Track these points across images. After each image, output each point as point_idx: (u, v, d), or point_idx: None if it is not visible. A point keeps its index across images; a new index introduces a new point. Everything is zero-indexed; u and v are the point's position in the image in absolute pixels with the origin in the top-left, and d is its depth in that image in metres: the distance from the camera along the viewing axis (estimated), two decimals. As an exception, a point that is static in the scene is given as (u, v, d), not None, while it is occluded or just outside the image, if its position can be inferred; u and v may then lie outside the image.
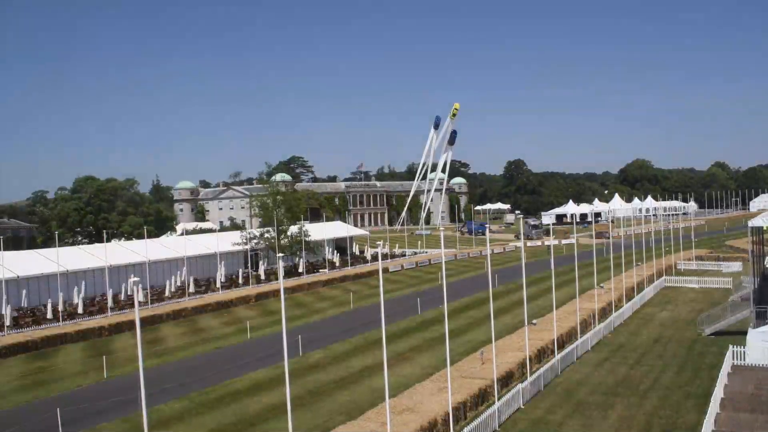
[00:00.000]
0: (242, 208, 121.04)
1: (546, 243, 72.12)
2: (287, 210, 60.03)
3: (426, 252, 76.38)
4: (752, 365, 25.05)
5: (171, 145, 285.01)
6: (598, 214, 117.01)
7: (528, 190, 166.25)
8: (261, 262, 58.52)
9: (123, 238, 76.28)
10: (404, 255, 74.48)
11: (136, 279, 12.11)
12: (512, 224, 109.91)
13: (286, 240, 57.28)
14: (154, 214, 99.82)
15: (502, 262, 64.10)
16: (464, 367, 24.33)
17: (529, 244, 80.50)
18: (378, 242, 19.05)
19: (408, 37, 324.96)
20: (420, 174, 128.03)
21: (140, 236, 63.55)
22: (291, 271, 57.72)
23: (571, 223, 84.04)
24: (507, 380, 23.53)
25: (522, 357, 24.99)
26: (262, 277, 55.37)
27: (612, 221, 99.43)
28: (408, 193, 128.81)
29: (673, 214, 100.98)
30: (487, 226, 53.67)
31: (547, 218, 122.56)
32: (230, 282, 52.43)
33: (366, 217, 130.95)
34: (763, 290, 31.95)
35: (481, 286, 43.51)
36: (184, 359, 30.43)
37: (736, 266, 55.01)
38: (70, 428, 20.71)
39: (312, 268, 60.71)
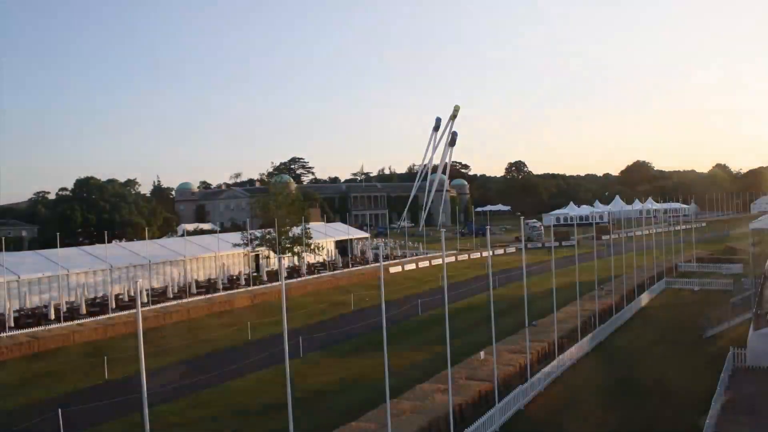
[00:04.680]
0: (243, 208, 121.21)
1: (547, 244, 72.08)
2: (288, 211, 60.03)
3: (426, 253, 76.40)
4: (753, 367, 25.07)
5: (172, 146, 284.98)
6: (599, 216, 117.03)
7: (529, 191, 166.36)
8: (262, 263, 58.59)
9: (124, 239, 76.28)
10: (405, 256, 74.49)
11: (137, 280, 12.21)
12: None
13: (287, 241, 57.29)
14: (154, 215, 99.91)
15: (502, 264, 64.08)
16: (465, 369, 24.36)
17: (530, 245, 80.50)
18: (381, 242, 19.04)
19: (408, 36, 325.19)
20: (420, 176, 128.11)
21: (141, 237, 63.64)
22: (292, 273, 57.75)
23: (572, 225, 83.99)
24: (507, 381, 23.55)
25: (522, 358, 25.03)
26: (264, 278, 55.43)
27: (613, 223, 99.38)
28: (408, 195, 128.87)
29: (673, 216, 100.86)
30: (488, 227, 53.74)
31: (548, 220, 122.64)
32: (231, 283, 52.49)
33: (367, 218, 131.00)
34: (764, 292, 31.92)
35: (482, 288, 43.58)
36: (185, 360, 30.49)
37: (736, 268, 54.99)
38: (71, 428, 20.75)
39: (313, 270, 60.76)
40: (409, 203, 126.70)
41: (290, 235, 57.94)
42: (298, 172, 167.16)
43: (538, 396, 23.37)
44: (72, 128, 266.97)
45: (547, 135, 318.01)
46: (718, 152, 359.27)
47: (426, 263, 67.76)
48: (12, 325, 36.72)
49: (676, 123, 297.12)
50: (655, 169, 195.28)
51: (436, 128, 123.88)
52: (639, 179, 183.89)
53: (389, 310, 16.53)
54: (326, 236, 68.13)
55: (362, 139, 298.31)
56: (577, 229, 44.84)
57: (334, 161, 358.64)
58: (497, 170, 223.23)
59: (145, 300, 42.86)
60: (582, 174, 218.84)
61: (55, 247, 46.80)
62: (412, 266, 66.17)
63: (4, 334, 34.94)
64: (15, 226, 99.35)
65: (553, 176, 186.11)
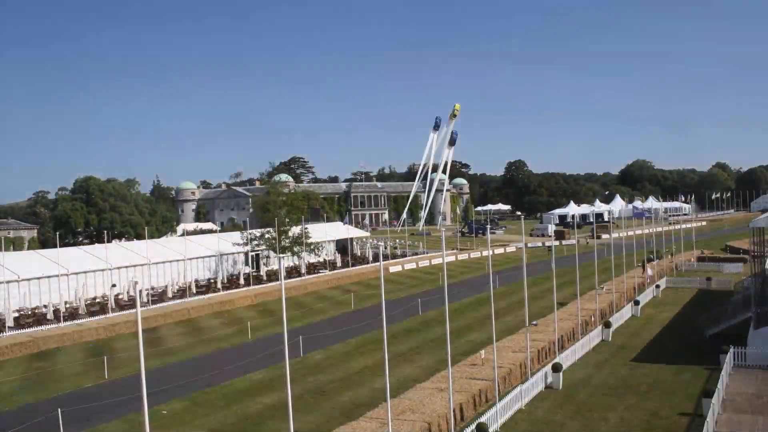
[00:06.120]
0: (243, 208, 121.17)
1: (547, 244, 72.08)
2: (288, 211, 60.00)
3: (426, 252, 76.35)
4: (753, 366, 25.05)
5: (172, 146, 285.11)
6: (599, 215, 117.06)
7: (529, 191, 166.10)
8: (262, 263, 58.56)
9: (124, 239, 76.26)
10: (405, 256, 74.47)
11: (137, 280, 12.21)
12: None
13: (287, 241, 57.28)
14: (154, 215, 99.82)
15: (502, 263, 64.10)
16: (465, 368, 24.32)
17: (530, 245, 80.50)
18: (381, 242, 19.05)
19: (408, 36, 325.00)
20: (420, 175, 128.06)
21: (141, 237, 63.62)
22: (292, 272, 57.73)
23: (572, 224, 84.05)
24: (508, 381, 23.54)
25: (523, 357, 25.00)
26: (264, 277, 55.41)
27: (613, 222, 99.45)
28: (409, 194, 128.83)
29: (673, 215, 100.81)
30: (488, 226, 53.73)
31: (548, 219, 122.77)
32: (231, 282, 52.47)
33: (367, 217, 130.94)
34: (764, 291, 31.89)
35: (482, 287, 43.58)
36: (185, 360, 30.45)
37: (737, 267, 54.99)
38: (71, 428, 20.72)
39: (313, 269, 60.74)
40: (409, 202, 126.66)
41: (290, 234, 57.94)
42: (298, 171, 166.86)
43: (538, 395, 23.34)
44: (72, 128, 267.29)
45: (547, 134, 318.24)
46: (718, 152, 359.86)
47: (426, 262, 67.73)
48: (12, 325, 36.73)
49: (676, 123, 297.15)
50: (655, 168, 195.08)
51: (436, 128, 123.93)
52: (639, 178, 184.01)
53: (389, 310, 16.52)
54: (326, 236, 68.10)
55: (362, 139, 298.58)
56: (577, 228, 44.85)
57: (334, 161, 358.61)
58: (497, 170, 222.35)
59: (145, 300, 42.83)
60: (582, 173, 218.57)
61: (55, 247, 46.78)
62: (413, 265, 66.13)
63: (4, 334, 34.94)
64: (15, 226, 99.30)
65: (553, 176, 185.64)
